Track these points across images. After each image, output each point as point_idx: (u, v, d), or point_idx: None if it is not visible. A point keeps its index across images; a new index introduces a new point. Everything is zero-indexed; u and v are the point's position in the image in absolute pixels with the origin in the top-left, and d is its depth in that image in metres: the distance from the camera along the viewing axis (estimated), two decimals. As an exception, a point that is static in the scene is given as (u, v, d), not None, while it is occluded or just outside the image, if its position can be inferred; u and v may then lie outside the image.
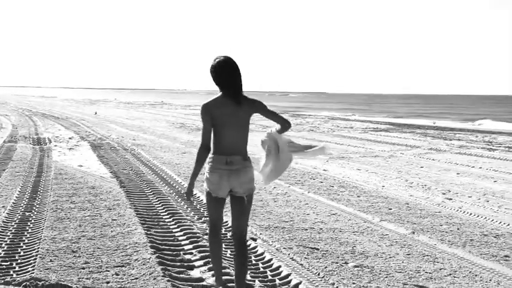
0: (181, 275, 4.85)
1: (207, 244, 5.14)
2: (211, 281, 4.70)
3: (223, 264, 4.96)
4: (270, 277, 4.95)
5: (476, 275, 5.12)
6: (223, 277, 4.64)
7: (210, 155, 4.20)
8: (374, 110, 67.28)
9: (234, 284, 4.28)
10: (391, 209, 8.02)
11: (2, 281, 4.49)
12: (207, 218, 4.50)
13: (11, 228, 6.29)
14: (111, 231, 6.18)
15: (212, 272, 4.83)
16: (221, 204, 4.27)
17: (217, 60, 4.16)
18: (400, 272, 5.12)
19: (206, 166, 4.24)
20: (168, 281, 4.57)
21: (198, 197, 8.37)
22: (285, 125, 4.27)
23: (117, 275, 4.72)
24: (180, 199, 8.18)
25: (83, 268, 4.88)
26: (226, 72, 4.13)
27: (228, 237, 6.23)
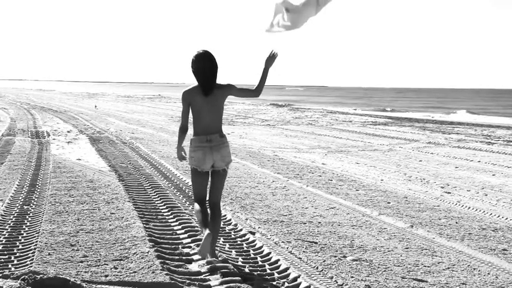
0: (179, 269, 4.84)
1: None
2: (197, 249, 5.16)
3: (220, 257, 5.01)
4: (268, 271, 4.95)
5: (474, 269, 5.13)
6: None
7: (192, 137, 4.92)
8: (372, 104, 67.29)
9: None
10: (389, 202, 8.02)
11: (1, 275, 4.49)
12: (198, 197, 5.11)
13: (9, 222, 6.28)
14: (110, 225, 6.17)
15: (208, 262, 4.85)
16: (205, 179, 4.99)
17: (195, 53, 4.81)
18: (398, 266, 5.12)
19: (189, 146, 4.93)
20: (166, 274, 4.56)
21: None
22: (257, 92, 4.97)
23: (116, 268, 4.72)
24: (178, 193, 8.18)
25: (82, 262, 4.87)
26: (200, 65, 4.79)
27: (226, 230, 6.24)
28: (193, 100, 4.86)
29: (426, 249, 5.71)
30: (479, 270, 5.08)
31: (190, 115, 4.98)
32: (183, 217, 6.62)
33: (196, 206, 4.99)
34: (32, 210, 6.89)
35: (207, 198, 5.11)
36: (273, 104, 51.04)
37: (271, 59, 4.96)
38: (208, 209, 5.05)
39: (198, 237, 5.79)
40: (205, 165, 4.87)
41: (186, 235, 5.92)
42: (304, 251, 5.44)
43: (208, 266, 4.85)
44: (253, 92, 4.99)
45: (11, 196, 7.63)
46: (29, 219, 6.48)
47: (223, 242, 5.81)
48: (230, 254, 5.37)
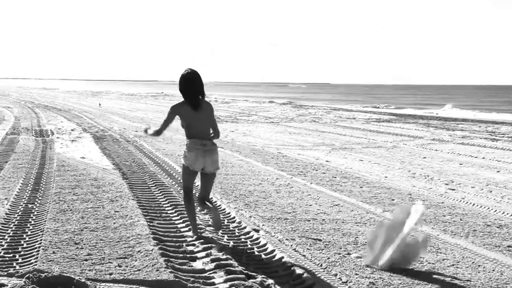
0: (183, 267, 4.85)
1: (206, 233, 5.78)
2: (190, 233, 5.86)
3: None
4: (273, 268, 4.95)
5: (479, 266, 5.11)
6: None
7: (188, 140, 5.51)
8: (376, 101, 67.12)
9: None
10: (393, 199, 8.00)
11: (5, 273, 4.50)
12: (186, 188, 5.77)
13: (13, 221, 6.30)
14: (114, 223, 6.18)
15: (212, 260, 4.84)
16: (194, 176, 5.67)
17: (183, 74, 5.43)
18: (403, 263, 5.10)
19: (185, 147, 5.53)
20: (170, 272, 4.56)
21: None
22: (216, 134, 5.60)
23: (120, 266, 4.73)
24: (182, 190, 8.16)
25: (86, 260, 4.88)
26: (186, 84, 5.42)
27: (231, 228, 6.24)
28: (183, 114, 5.47)
29: (431, 246, 5.69)
30: (484, 267, 5.07)
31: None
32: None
33: (185, 197, 5.77)
34: (36, 209, 6.91)
35: (198, 195, 5.82)
36: (277, 102, 50.98)
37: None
38: (196, 201, 5.88)
39: (202, 234, 5.80)
40: (196, 166, 5.50)
41: (190, 233, 5.92)
42: (308, 249, 5.43)
43: (213, 264, 4.86)
44: (215, 134, 5.61)
45: (16, 195, 7.64)
46: (34, 217, 6.49)
47: (227, 239, 5.81)
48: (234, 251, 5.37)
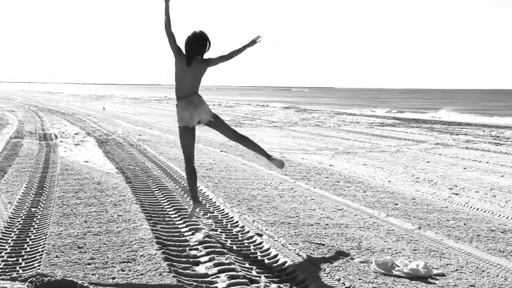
0: (186, 271, 4.84)
1: (209, 237, 5.72)
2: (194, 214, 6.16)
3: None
4: (276, 273, 4.94)
5: (483, 271, 5.09)
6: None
7: (177, 102, 5.97)
8: (380, 105, 67.10)
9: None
10: (397, 204, 7.99)
11: (9, 277, 4.50)
12: (187, 155, 6.12)
13: (17, 224, 6.31)
14: (117, 227, 6.18)
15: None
16: (192, 139, 6.05)
17: (192, 32, 5.85)
18: (406, 268, 5.09)
19: (176, 110, 5.97)
20: (173, 276, 4.56)
21: (204, 192, 8.37)
22: (229, 57, 5.98)
23: (123, 270, 4.72)
24: (185, 195, 8.18)
25: (89, 264, 4.88)
26: (189, 41, 5.86)
27: (234, 232, 6.23)
28: (176, 59, 5.93)
29: (434, 251, 5.68)
30: (488, 272, 5.05)
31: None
32: (190, 219, 6.62)
33: (187, 167, 6.11)
34: (40, 213, 6.91)
35: (230, 138, 6.23)
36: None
37: (255, 42, 6.01)
38: (196, 171, 6.21)
39: (205, 239, 5.78)
40: (193, 121, 5.92)
41: (193, 236, 5.91)
42: (311, 253, 5.42)
43: (216, 268, 4.85)
44: (226, 57, 6.00)
45: (19, 198, 7.65)
46: (37, 221, 6.50)
47: (230, 244, 5.81)
48: (237, 256, 5.36)
